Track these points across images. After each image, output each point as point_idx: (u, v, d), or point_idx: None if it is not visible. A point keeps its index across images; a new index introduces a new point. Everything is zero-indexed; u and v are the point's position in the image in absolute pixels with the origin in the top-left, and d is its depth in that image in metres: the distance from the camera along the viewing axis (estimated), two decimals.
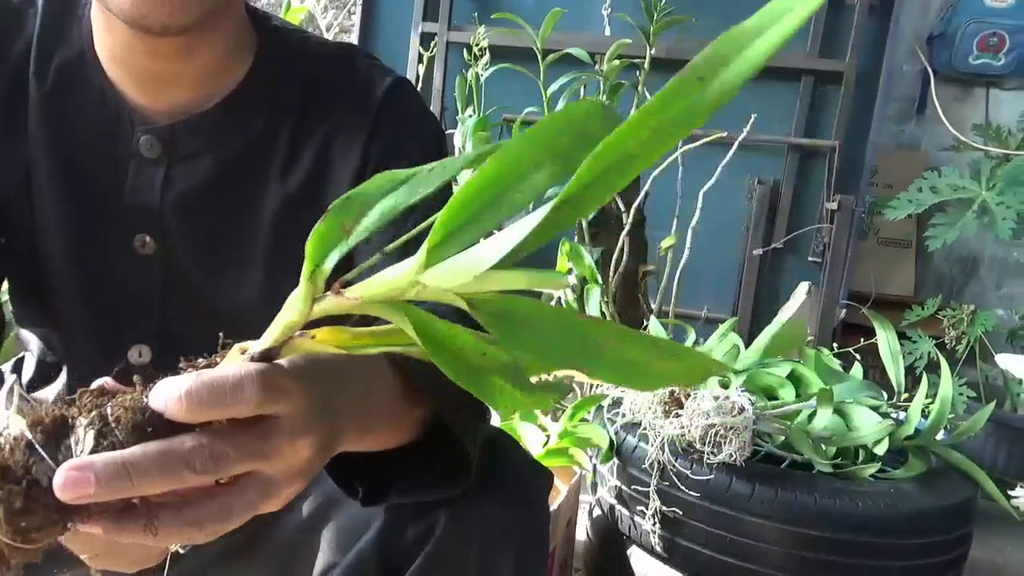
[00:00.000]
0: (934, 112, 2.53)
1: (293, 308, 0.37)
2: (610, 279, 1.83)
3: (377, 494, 0.56)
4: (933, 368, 2.04)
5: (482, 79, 2.18)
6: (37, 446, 0.33)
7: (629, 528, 1.23)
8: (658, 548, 1.17)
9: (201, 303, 0.72)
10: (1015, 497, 1.80)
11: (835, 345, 1.68)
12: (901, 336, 1.64)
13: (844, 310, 2.35)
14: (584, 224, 1.87)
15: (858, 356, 1.53)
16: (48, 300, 0.73)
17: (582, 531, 1.45)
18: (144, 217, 0.69)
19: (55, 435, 0.34)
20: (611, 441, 1.25)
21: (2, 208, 0.70)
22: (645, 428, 1.19)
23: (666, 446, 1.15)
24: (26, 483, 0.33)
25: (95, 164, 0.69)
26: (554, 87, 1.79)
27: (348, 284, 0.37)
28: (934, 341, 2.21)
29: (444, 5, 2.55)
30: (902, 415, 1.26)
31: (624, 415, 1.26)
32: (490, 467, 0.57)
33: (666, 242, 1.84)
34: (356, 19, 2.68)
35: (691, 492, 1.11)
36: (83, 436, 0.34)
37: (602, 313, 1.82)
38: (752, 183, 2.47)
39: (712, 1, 2.39)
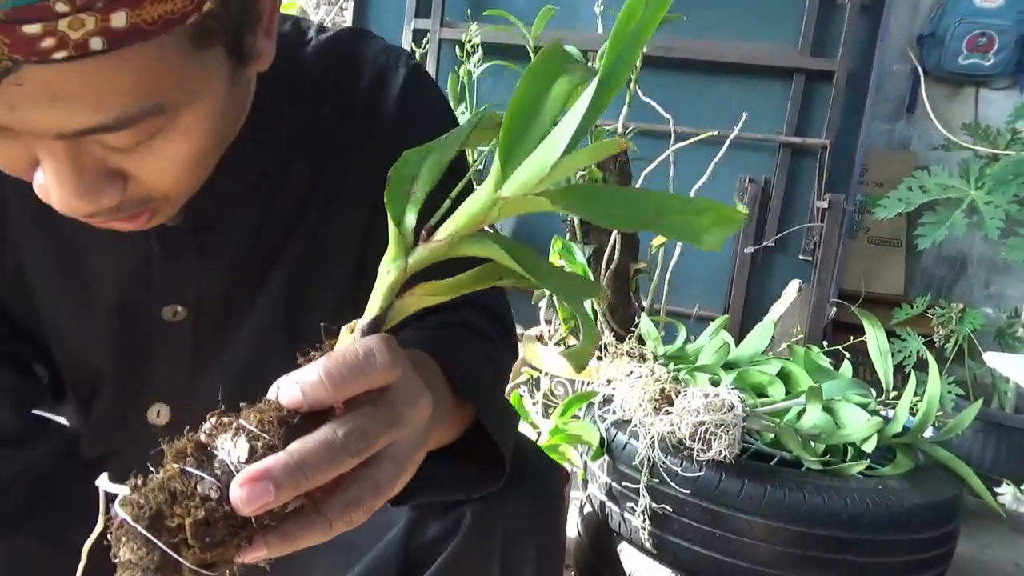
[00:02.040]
0: (924, 111, 2.54)
1: (390, 268, 0.39)
2: (602, 276, 1.84)
3: (408, 493, 0.55)
4: (922, 366, 2.05)
5: (474, 76, 2.18)
6: (192, 470, 0.33)
7: (619, 525, 1.23)
8: (648, 545, 1.17)
9: (226, 362, 0.69)
10: (1001, 494, 1.82)
11: (825, 343, 1.68)
12: (890, 334, 1.65)
13: (834, 308, 2.37)
14: (576, 222, 1.87)
15: (847, 354, 1.54)
16: (73, 374, 0.71)
17: (572, 528, 1.45)
18: (174, 288, 0.65)
19: (203, 457, 0.34)
20: (602, 438, 1.26)
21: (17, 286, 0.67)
22: (635, 425, 1.20)
23: (656, 443, 1.15)
24: (199, 498, 0.33)
25: (110, 242, 0.62)
26: None
27: (433, 231, 0.38)
28: (923, 339, 2.23)
29: (436, 2, 2.54)
30: (890, 413, 1.27)
31: (615, 412, 1.26)
32: (513, 464, 0.58)
33: (657, 240, 1.85)
34: (348, 15, 2.67)
35: (681, 489, 1.12)
36: (233, 448, 0.34)
37: (594, 311, 1.82)
38: (743, 181, 2.48)
39: (703, 1, 2.40)
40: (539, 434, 1.26)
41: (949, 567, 1.18)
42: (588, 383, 1.61)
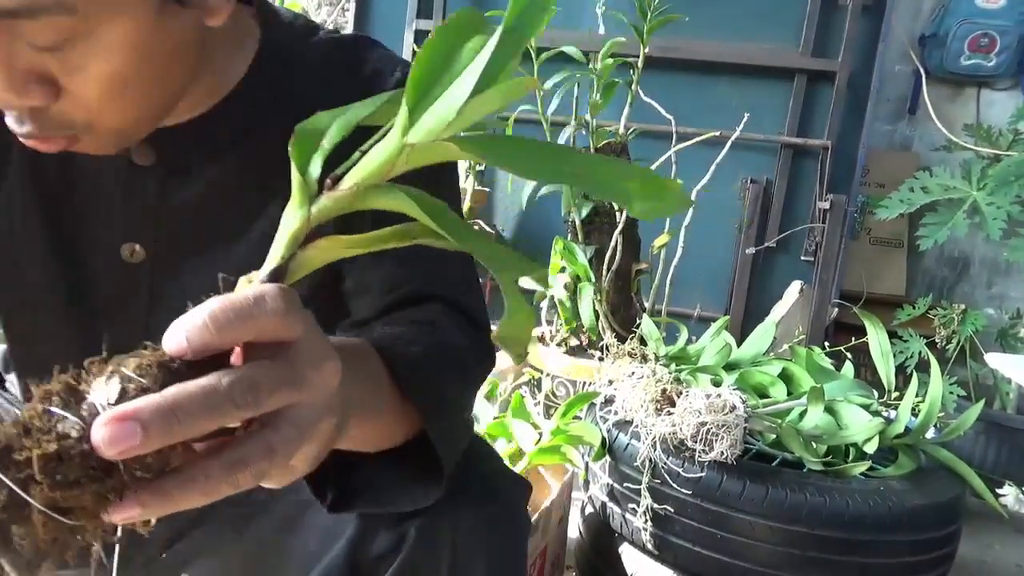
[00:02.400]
0: (925, 112, 2.54)
1: (292, 216, 0.37)
2: (603, 278, 1.84)
3: (346, 500, 0.53)
4: (923, 367, 2.05)
5: None
6: (55, 409, 0.31)
7: (621, 525, 1.23)
8: (649, 545, 1.17)
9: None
10: (1003, 495, 1.82)
11: (826, 344, 1.68)
12: (892, 335, 1.65)
13: (836, 309, 2.37)
14: (577, 223, 1.87)
15: (849, 355, 1.54)
16: (27, 310, 0.71)
17: (574, 529, 1.45)
18: (133, 226, 0.66)
19: (72, 399, 0.32)
20: (603, 439, 1.26)
21: None
22: (637, 426, 1.20)
23: (658, 444, 1.15)
24: (55, 435, 0.30)
25: (80, 174, 0.66)
26: (548, 85, 1.80)
27: (339, 180, 0.37)
28: (925, 340, 2.23)
29: (438, 2, 2.55)
30: (892, 414, 1.27)
31: (616, 413, 1.26)
32: (463, 475, 0.55)
33: (659, 241, 1.85)
34: (350, 16, 2.67)
35: (682, 490, 1.12)
36: (104, 389, 0.31)
37: (595, 312, 1.82)
38: (745, 182, 2.48)
39: (705, 1, 2.40)
40: (540, 435, 1.26)
41: (951, 568, 1.18)
42: (590, 384, 1.61)
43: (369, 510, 0.54)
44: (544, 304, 2.03)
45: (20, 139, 0.53)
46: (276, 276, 0.37)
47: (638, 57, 1.83)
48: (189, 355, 0.33)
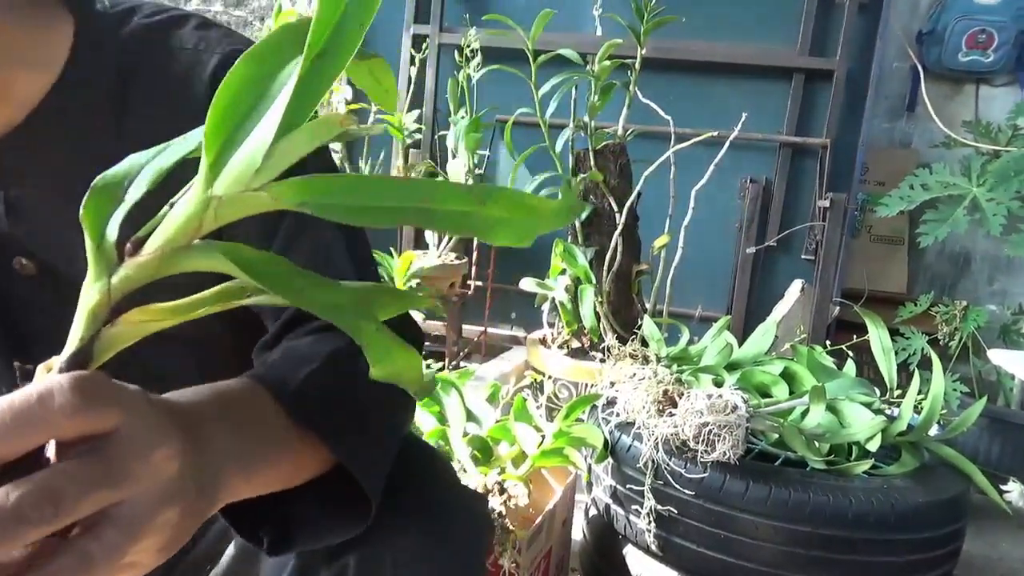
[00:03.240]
0: (924, 109, 2.54)
1: (91, 292, 0.33)
2: (604, 279, 1.84)
3: (284, 541, 0.50)
4: (926, 364, 2.05)
5: (474, 80, 2.18)
6: None
7: (624, 527, 1.23)
8: (653, 547, 1.17)
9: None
10: (1007, 491, 1.81)
11: (828, 342, 1.68)
12: (894, 333, 1.65)
13: (837, 307, 2.36)
14: (577, 224, 1.87)
15: (851, 353, 1.53)
16: None
17: (578, 531, 1.45)
18: (11, 242, 0.64)
19: None
20: (606, 441, 1.25)
21: None
22: (639, 427, 1.20)
23: (660, 445, 1.15)
24: None
25: None
26: (546, 88, 1.80)
27: (141, 244, 0.33)
28: (927, 337, 2.22)
29: (435, 7, 2.55)
30: (895, 411, 1.26)
31: (618, 415, 1.26)
32: (409, 499, 0.53)
33: (659, 241, 1.85)
34: None
35: (685, 490, 1.12)
36: None
37: (596, 314, 1.82)
38: (744, 182, 2.47)
39: (701, 1, 2.41)
40: (543, 437, 1.26)
41: (957, 565, 1.18)
42: (592, 386, 1.61)
43: (311, 546, 0.51)
44: (545, 307, 2.03)
45: None
46: (77, 361, 0.33)
47: (636, 58, 1.83)
48: None
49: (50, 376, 0.31)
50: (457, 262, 2.27)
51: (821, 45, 2.42)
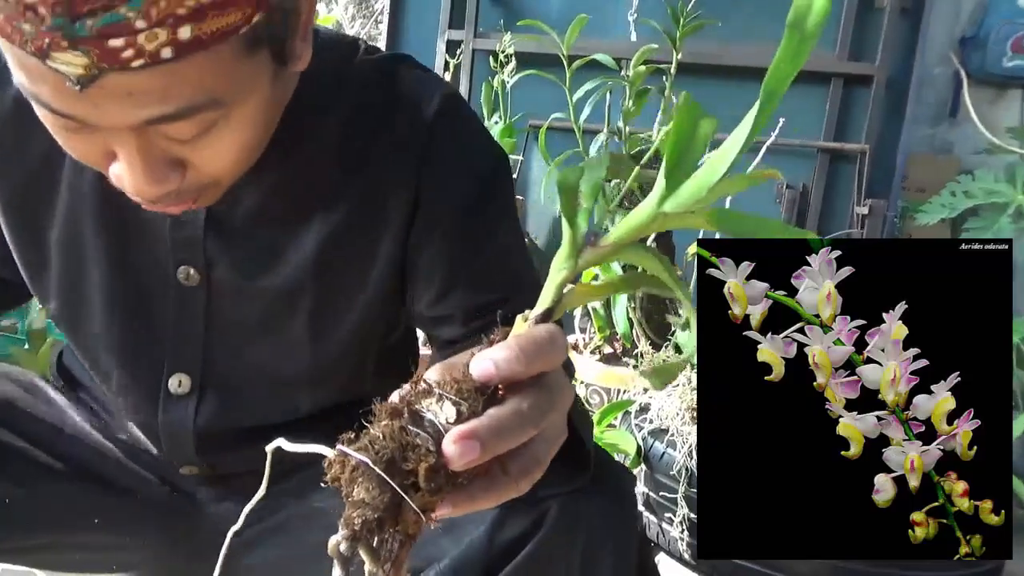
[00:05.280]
0: (967, 115, 2.49)
1: (562, 266, 0.42)
2: None
3: None
4: None
5: (508, 86, 2.19)
6: (411, 427, 0.37)
7: (657, 535, 1.22)
8: (686, 555, 1.15)
9: (244, 334, 0.72)
10: None
11: None
12: None
13: None
14: (611, 230, 1.86)
15: None
16: (84, 327, 0.74)
17: None
18: (187, 248, 0.69)
19: (416, 417, 0.38)
20: (638, 447, 1.24)
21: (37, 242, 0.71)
22: (673, 434, 1.18)
23: (694, 452, 1.14)
24: (424, 449, 0.36)
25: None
26: (580, 93, 1.79)
27: (598, 237, 0.43)
28: None
29: (470, 13, 2.56)
30: None
31: (651, 421, 1.25)
32: (596, 466, 0.59)
33: (693, 248, 1.83)
34: (383, 28, 2.70)
35: None
36: (440, 411, 0.37)
37: (629, 320, 1.81)
38: (780, 188, 2.44)
39: (738, 5, 2.39)
40: None
41: None
42: (624, 392, 1.60)
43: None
44: (577, 312, 2.02)
45: (147, 206, 0.57)
46: (546, 316, 0.42)
47: (671, 63, 1.82)
48: (496, 381, 0.38)
49: (546, 325, 0.41)
50: None
51: (860, 50, 2.38)
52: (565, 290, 0.43)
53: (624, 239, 0.42)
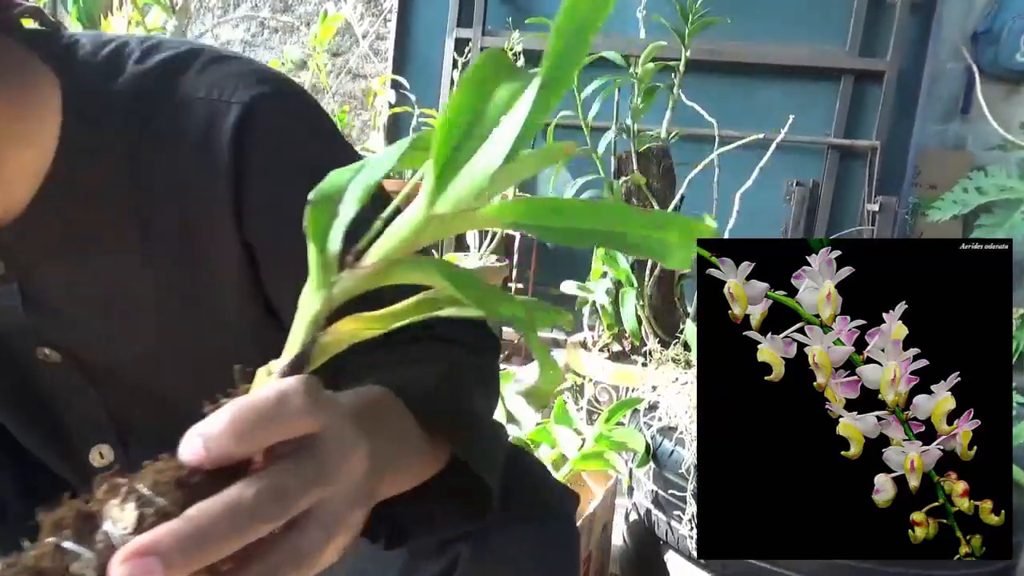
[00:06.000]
0: (979, 111, 2.47)
1: (312, 300, 0.34)
2: (646, 282, 1.82)
3: (400, 535, 0.51)
4: None
5: None
6: (68, 544, 0.28)
7: (666, 533, 1.22)
8: (695, 553, 1.15)
9: (138, 391, 0.66)
10: None
11: None
12: None
13: None
14: None
15: None
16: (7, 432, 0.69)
17: (618, 536, 1.44)
18: (32, 332, 0.62)
19: (85, 529, 0.29)
20: (647, 445, 1.24)
21: None
22: (681, 432, 1.18)
23: None
24: None
25: None
26: (588, 90, 1.79)
27: (360, 255, 0.33)
28: None
29: (478, 11, 2.56)
30: None
31: (660, 419, 1.25)
32: (512, 489, 0.53)
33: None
34: (392, 26, 2.71)
35: None
36: (120, 515, 0.29)
37: (638, 317, 1.81)
38: (790, 185, 2.43)
39: (747, 2, 2.37)
40: (583, 441, 1.26)
41: None
42: (633, 389, 1.60)
43: (426, 539, 0.52)
44: (586, 310, 2.02)
45: None
46: (297, 365, 0.34)
47: (680, 60, 1.82)
48: (208, 465, 0.30)
49: (282, 380, 0.33)
50: (498, 264, 2.27)
51: (871, 46, 2.37)
52: (322, 332, 0.34)
53: (393, 254, 0.33)
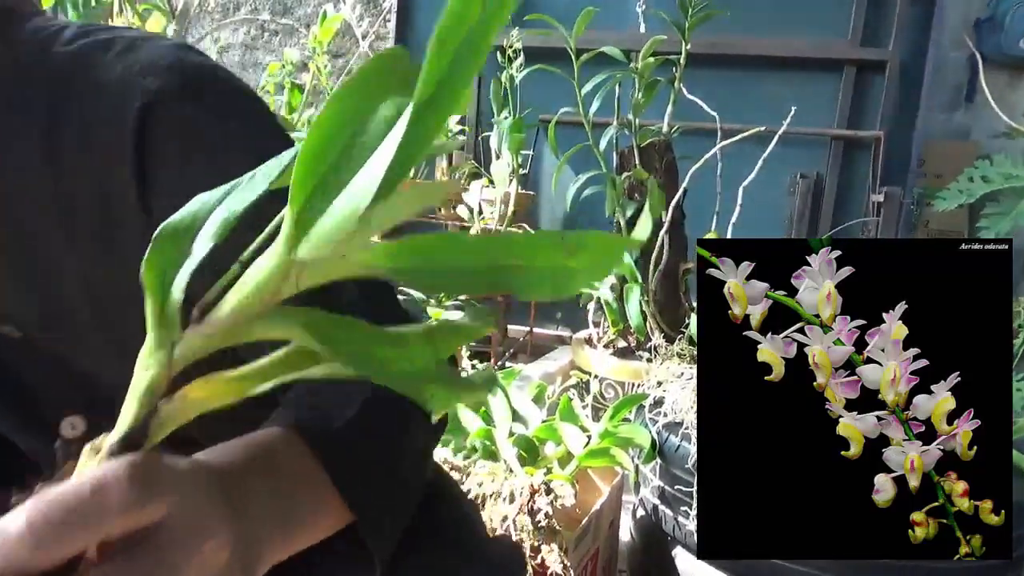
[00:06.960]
0: (984, 99, 2.45)
1: (147, 365, 0.28)
2: (650, 277, 1.82)
3: None
4: None
5: (516, 81, 2.18)
6: None
7: (673, 528, 1.22)
8: None
9: (93, 363, 0.63)
10: None
11: None
12: None
13: None
14: (623, 223, 1.86)
15: None
16: None
17: (625, 532, 1.44)
18: None
19: None
20: (653, 441, 1.24)
21: None
22: (687, 427, 1.18)
23: None
24: None
25: None
26: (589, 86, 1.79)
27: (208, 310, 0.28)
28: None
29: None
30: None
31: (666, 415, 1.25)
32: (430, 551, 0.50)
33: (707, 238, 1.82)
34: (391, 26, 2.71)
35: None
36: None
37: (642, 313, 1.81)
38: (794, 177, 2.43)
39: None
40: (589, 438, 1.26)
41: (1023, 573, 1.14)
42: (638, 385, 1.60)
43: None
44: (591, 306, 2.02)
45: None
46: (131, 442, 0.28)
47: (680, 54, 1.81)
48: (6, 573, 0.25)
49: (103, 465, 0.28)
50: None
51: (873, 36, 2.36)
52: (161, 401, 0.29)
53: (247, 308, 0.27)
